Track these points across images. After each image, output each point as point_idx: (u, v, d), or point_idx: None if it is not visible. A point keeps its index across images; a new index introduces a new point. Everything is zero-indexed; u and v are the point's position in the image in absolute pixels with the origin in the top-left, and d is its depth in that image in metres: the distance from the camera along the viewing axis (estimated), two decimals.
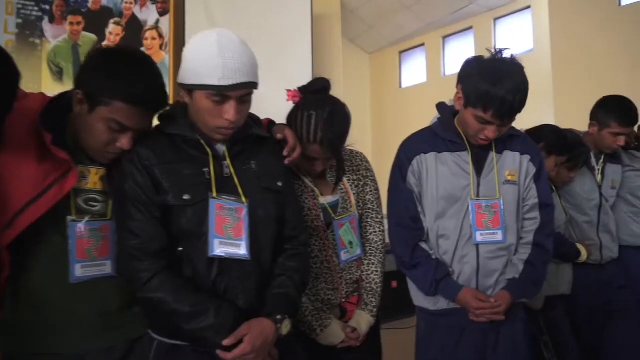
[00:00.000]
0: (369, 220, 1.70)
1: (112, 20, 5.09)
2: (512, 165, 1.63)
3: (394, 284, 3.83)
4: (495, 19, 8.30)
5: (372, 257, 1.68)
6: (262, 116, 1.53)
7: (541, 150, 2.09)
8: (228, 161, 1.31)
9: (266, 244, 1.32)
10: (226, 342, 1.16)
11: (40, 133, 1.18)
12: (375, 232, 1.70)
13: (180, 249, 1.24)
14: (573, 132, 2.30)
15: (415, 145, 1.68)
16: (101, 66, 1.21)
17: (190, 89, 1.25)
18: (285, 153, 1.42)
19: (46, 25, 4.76)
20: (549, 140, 2.12)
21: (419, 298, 1.70)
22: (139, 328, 1.29)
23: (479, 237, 1.59)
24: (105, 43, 4.98)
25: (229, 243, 1.26)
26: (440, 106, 1.74)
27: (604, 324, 2.28)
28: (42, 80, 4.69)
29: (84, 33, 4.92)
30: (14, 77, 1.05)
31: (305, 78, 1.49)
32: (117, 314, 1.29)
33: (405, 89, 10.17)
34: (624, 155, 2.38)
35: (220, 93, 1.21)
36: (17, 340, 1.21)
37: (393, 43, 10.13)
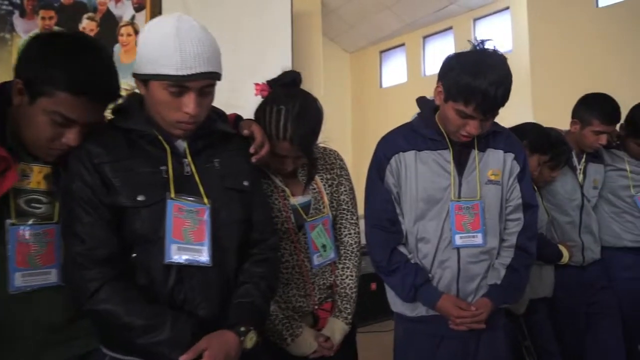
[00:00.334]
0: (343, 221, 1.61)
1: (85, 16, 4.92)
2: (495, 164, 1.55)
3: (373, 286, 3.75)
4: (475, 20, 8.30)
5: (346, 261, 1.58)
6: (245, 116, 1.43)
7: (524, 149, 2.04)
8: (189, 158, 1.20)
9: (230, 248, 1.22)
10: (183, 358, 1.05)
11: None
12: (350, 234, 1.61)
13: (134, 255, 1.13)
14: (555, 130, 2.24)
15: (393, 143, 1.59)
16: (40, 52, 1.08)
17: (145, 79, 1.13)
18: (252, 150, 1.31)
19: (17, 20, 4.59)
20: (532, 139, 2.05)
21: (396, 304, 1.61)
22: (89, 343, 1.17)
23: (458, 240, 1.50)
24: None
25: (189, 248, 1.15)
26: (421, 101, 1.65)
27: (586, 326, 2.23)
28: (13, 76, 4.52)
29: (57, 28, 4.74)
30: None
31: None
32: (63, 327, 1.17)
33: (385, 88, 10.13)
34: (605, 155, 2.33)
35: (178, 84, 1.10)
36: None
37: (373, 42, 10.09)
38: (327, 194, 1.55)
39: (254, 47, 5.33)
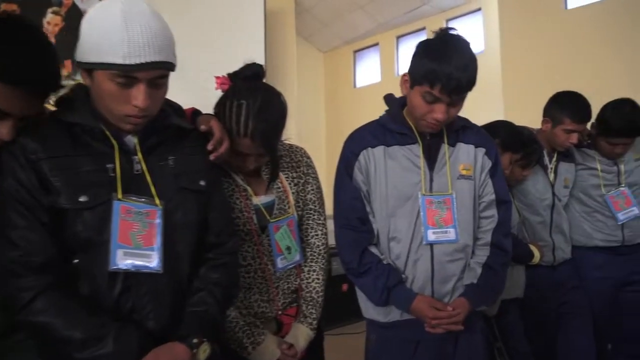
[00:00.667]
0: (310, 222, 1.53)
1: (50, 10, 4.73)
2: (466, 159, 1.50)
3: (345, 287, 3.69)
4: (447, 20, 8.33)
5: (313, 264, 1.51)
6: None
7: (496, 147, 2.00)
8: (139, 156, 1.11)
9: (184, 253, 1.13)
10: None
11: None
12: (317, 235, 1.53)
13: (76, 261, 1.03)
14: (527, 129, 2.21)
15: (361, 139, 1.52)
16: None
17: (90, 68, 1.03)
18: (209, 147, 1.22)
19: None
20: (504, 137, 2.01)
21: (368, 310, 1.54)
22: (23, 358, 1.06)
23: (431, 235, 1.44)
24: None
25: (137, 253, 1.05)
26: (388, 97, 1.59)
27: (557, 326, 2.21)
28: None
29: None
30: None
31: None
32: None
33: (359, 88, 10.10)
34: (576, 154, 2.32)
35: (126, 74, 1.00)
36: None
37: (347, 42, 10.05)
38: (292, 193, 1.48)
39: (226, 46, 5.22)
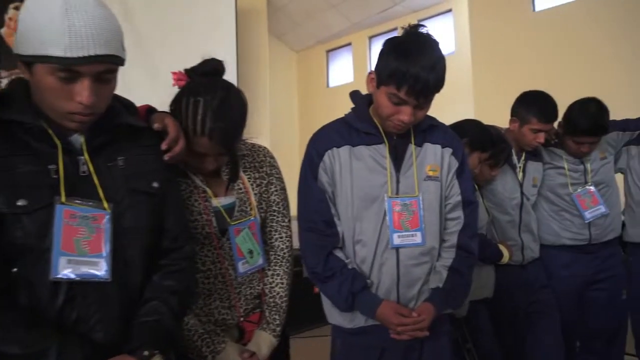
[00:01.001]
0: (273, 224, 1.48)
1: (12, 5, 4.54)
2: (433, 160, 1.47)
3: (316, 289, 3.63)
4: (419, 21, 8.37)
5: (277, 267, 1.45)
6: None
7: (464, 147, 1.98)
8: (86, 156, 1.03)
9: (135, 259, 1.06)
10: None
11: None
12: (281, 237, 1.48)
13: (15, 269, 0.95)
14: (495, 128, 2.21)
15: (326, 138, 1.47)
16: None
17: (29, 61, 0.96)
18: (163, 147, 1.15)
19: None
20: (473, 136, 2.00)
21: (333, 315, 1.49)
22: None
23: (397, 239, 1.40)
24: (4, 30, 4.47)
25: (82, 261, 0.98)
26: (354, 95, 1.54)
27: (526, 325, 2.21)
28: None
29: None
30: None
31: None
32: None
33: (332, 88, 10.07)
34: (544, 153, 2.33)
35: (68, 68, 0.93)
36: None
37: (320, 42, 10.01)
38: (255, 194, 1.42)
39: (197, 45, 5.11)
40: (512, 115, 2.22)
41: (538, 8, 6.10)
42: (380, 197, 1.41)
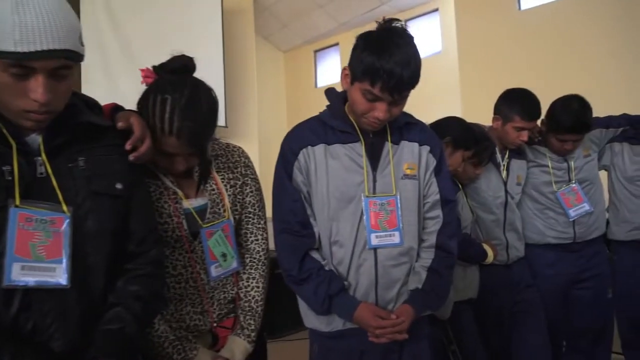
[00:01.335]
0: (249, 226, 1.43)
1: None
2: (410, 158, 1.43)
3: None
4: (406, 21, 8.36)
5: (252, 271, 1.41)
6: None
7: (447, 145, 1.95)
8: (43, 157, 0.98)
9: (97, 265, 1.01)
10: None
11: None
12: (257, 240, 1.43)
13: None
14: (478, 126, 2.18)
15: (301, 137, 1.43)
16: None
17: None
18: (127, 146, 1.11)
19: None
20: (455, 134, 1.96)
21: (310, 318, 1.45)
22: None
23: (374, 240, 1.36)
24: None
25: (38, 267, 0.93)
26: (329, 92, 1.51)
27: (511, 325, 2.19)
28: None
29: None
30: None
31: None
32: None
33: (321, 88, 10.03)
34: (528, 151, 2.30)
35: (20, 63, 0.88)
36: None
37: (308, 42, 9.97)
38: (228, 195, 1.37)
39: (183, 45, 4.99)
40: (495, 113, 2.20)
41: (524, 7, 6.12)
42: (357, 196, 1.37)
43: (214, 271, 1.30)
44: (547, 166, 2.26)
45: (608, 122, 2.34)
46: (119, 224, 1.05)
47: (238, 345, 1.31)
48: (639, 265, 2.30)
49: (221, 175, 1.38)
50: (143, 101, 1.21)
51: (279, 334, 3.64)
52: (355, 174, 1.38)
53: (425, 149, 1.46)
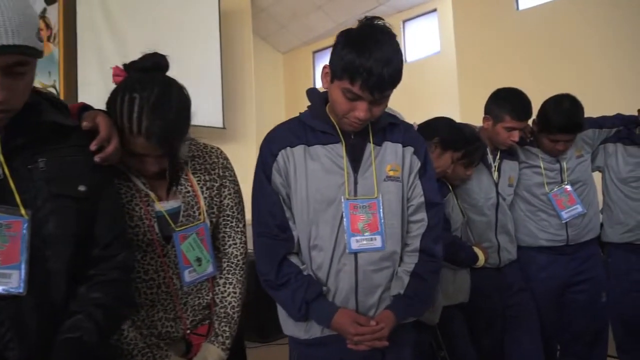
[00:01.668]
0: (227, 229, 1.39)
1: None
2: (393, 159, 1.39)
3: None
4: (404, 21, 8.34)
5: (229, 276, 1.36)
6: None
7: (436, 146, 1.91)
8: (0, 158, 0.95)
9: (58, 270, 0.97)
10: None
11: None
12: (235, 244, 1.39)
13: None
14: (469, 126, 2.14)
15: (280, 138, 1.38)
16: None
17: None
18: (92, 147, 1.07)
19: None
20: (444, 135, 1.92)
21: (288, 325, 1.40)
22: None
23: (355, 243, 1.32)
24: None
25: None
26: (310, 92, 1.46)
27: (504, 329, 2.15)
28: None
29: None
30: None
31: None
32: None
33: (320, 89, 9.99)
34: (520, 152, 2.26)
35: None
36: None
37: (306, 43, 9.95)
38: (204, 198, 1.33)
39: (181, 46, 5.01)
40: (485, 113, 2.16)
41: (522, 7, 6.08)
42: (337, 199, 1.33)
43: (188, 276, 1.26)
44: (539, 167, 2.22)
45: (601, 122, 2.30)
46: (82, 228, 1.01)
47: (211, 353, 1.26)
48: (633, 268, 2.26)
49: (197, 176, 1.34)
50: (111, 100, 1.17)
51: (273, 337, 3.59)
52: (336, 175, 1.34)
53: (409, 150, 1.41)
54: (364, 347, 1.28)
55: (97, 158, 1.07)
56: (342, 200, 1.32)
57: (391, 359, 1.37)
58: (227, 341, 1.30)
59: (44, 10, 4.72)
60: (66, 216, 0.99)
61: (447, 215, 2.04)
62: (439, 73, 7.24)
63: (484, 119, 2.16)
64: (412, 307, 1.36)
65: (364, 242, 1.32)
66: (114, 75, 1.21)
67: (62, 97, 5.02)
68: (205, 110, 5.23)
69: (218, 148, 1.44)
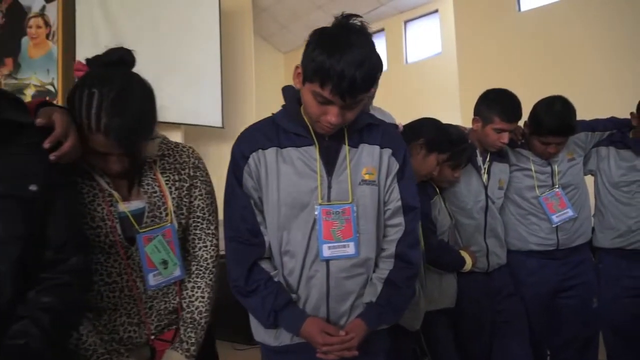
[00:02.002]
0: (197, 231, 1.34)
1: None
2: (370, 162, 1.33)
3: None
4: (406, 22, 8.29)
5: (198, 279, 1.32)
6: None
7: (421, 147, 1.86)
8: None
9: (4, 274, 0.93)
10: None
11: None
12: (205, 246, 1.35)
13: None
14: (456, 127, 2.09)
15: (252, 139, 1.33)
16: None
17: None
18: (46, 145, 1.02)
19: None
20: (429, 136, 1.87)
21: (258, 331, 1.36)
22: None
23: (327, 251, 1.27)
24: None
25: None
26: (286, 90, 1.41)
27: (492, 335, 2.09)
28: None
29: None
30: None
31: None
32: None
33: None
34: (510, 154, 2.21)
35: None
36: None
37: None
38: (173, 198, 1.29)
39: (181, 45, 4.99)
40: (475, 115, 2.11)
41: (523, 8, 6.03)
42: (310, 203, 1.28)
43: (153, 279, 1.22)
44: (530, 170, 2.17)
45: (594, 125, 2.24)
46: (32, 230, 0.97)
47: None
48: (624, 274, 2.20)
49: (166, 176, 1.30)
50: (71, 96, 1.12)
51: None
52: (309, 179, 1.29)
53: (387, 152, 1.36)
54: (333, 357, 1.23)
55: (52, 156, 1.03)
56: (316, 205, 1.28)
57: None
58: (193, 348, 1.25)
59: (43, 8, 4.72)
60: (12, 217, 0.95)
61: (433, 218, 1.99)
62: (440, 74, 7.19)
63: (474, 120, 2.11)
64: (384, 315, 1.31)
65: (337, 249, 1.27)
66: (76, 69, 1.17)
67: (60, 95, 5.02)
68: (204, 110, 5.18)
69: (190, 147, 1.40)
